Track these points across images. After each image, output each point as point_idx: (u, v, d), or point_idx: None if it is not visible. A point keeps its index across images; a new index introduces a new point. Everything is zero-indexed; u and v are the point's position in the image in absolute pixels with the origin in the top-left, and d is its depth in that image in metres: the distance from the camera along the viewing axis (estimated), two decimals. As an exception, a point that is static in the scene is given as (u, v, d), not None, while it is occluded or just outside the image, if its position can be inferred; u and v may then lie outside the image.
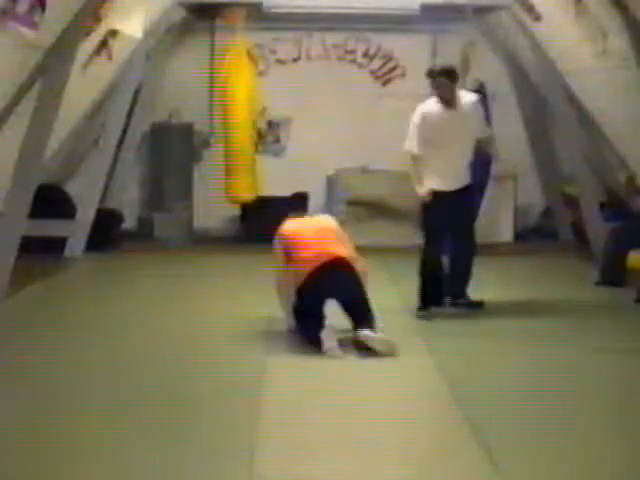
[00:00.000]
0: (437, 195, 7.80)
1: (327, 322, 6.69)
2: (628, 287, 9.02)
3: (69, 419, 5.22)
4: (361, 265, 7.08)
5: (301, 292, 6.86)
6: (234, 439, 4.89)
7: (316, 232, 7.10)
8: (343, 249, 7.02)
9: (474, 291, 8.16)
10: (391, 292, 8.67)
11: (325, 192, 12.66)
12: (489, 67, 12.34)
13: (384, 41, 12.93)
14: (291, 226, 7.21)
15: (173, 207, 12.39)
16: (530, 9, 10.70)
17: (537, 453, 4.76)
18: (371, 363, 6.48)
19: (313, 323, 6.70)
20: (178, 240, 12.09)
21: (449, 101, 7.81)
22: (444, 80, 7.79)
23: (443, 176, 7.83)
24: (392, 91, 12.78)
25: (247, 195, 11.75)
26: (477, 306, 8.11)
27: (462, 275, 8.14)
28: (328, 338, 6.58)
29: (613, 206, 11.39)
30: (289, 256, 7.02)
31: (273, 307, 7.61)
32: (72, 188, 11.88)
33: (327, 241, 7.02)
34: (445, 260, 8.09)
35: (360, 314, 6.82)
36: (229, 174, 11.65)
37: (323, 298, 6.82)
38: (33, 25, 7.62)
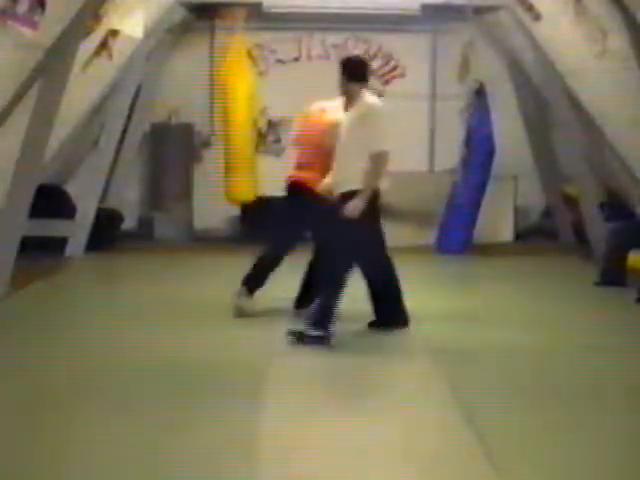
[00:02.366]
0: None
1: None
2: (628, 287, 9.02)
3: (67, 417, 5.22)
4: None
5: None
6: (235, 439, 4.89)
7: (306, 145, 7.42)
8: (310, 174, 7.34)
9: (473, 291, 8.15)
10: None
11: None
12: (489, 67, 12.34)
13: (384, 41, 12.94)
14: (304, 121, 7.80)
15: (173, 207, 12.40)
16: (530, 9, 10.71)
17: (538, 454, 4.75)
18: (371, 363, 6.49)
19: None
20: (178, 240, 12.09)
21: (345, 97, 7.18)
22: (340, 73, 7.14)
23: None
24: (392, 91, 12.78)
25: (247, 195, 11.75)
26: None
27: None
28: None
29: (613, 206, 11.40)
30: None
31: (273, 306, 7.62)
32: (72, 188, 11.89)
33: (307, 161, 7.37)
34: None
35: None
36: (229, 174, 11.65)
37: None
38: (33, 25, 7.63)
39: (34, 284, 9.09)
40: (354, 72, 7.11)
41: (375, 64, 13.02)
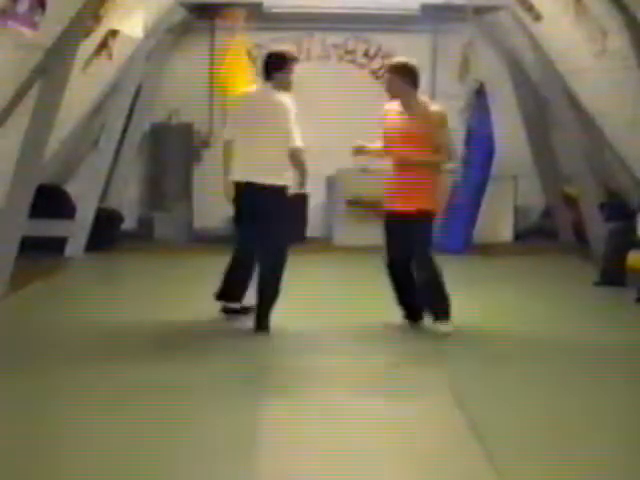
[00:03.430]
0: None
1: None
2: (628, 287, 9.02)
3: (66, 416, 5.22)
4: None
5: None
6: (234, 438, 4.89)
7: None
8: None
9: (473, 290, 8.12)
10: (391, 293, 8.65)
11: (325, 192, 12.67)
12: (489, 67, 12.34)
13: (384, 41, 12.93)
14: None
15: (173, 207, 12.40)
16: (530, 9, 10.71)
17: (538, 454, 4.75)
18: (370, 363, 6.49)
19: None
20: (178, 240, 12.09)
21: None
22: None
23: None
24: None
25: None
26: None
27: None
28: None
29: (613, 206, 11.40)
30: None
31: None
32: (72, 188, 11.89)
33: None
34: None
35: None
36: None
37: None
38: (33, 25, 7.62)
39: (34, 284, 9.09)
40: (265, 69, 7.41)
41: (375, 64, 13.04)
